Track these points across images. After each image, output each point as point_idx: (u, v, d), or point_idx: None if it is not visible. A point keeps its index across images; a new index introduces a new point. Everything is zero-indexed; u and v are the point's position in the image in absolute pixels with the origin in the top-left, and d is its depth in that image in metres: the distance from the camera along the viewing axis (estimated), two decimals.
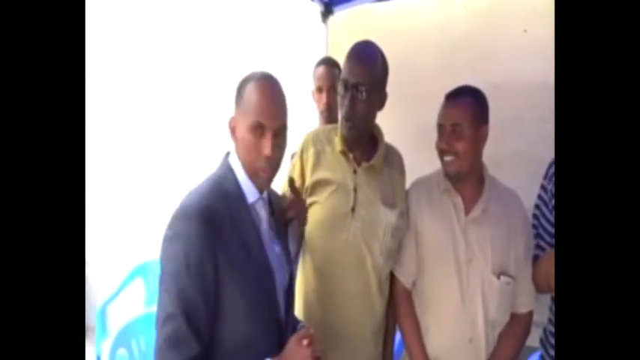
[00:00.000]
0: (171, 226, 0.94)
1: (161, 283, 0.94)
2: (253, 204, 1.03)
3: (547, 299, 1.37)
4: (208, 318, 0.93)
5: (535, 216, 1.34)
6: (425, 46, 2.21)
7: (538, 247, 1.31)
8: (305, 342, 0.94)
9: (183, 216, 0.93)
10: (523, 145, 1.99)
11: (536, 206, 1.34)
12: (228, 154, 1.06)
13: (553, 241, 1.26)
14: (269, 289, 1.03)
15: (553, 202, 1.26)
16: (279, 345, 1.00)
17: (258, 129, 0.97)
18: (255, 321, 0.98)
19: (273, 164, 1.01)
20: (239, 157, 1.02)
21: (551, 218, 1.27)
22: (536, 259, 1.29)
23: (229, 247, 0.94)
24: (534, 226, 1.33)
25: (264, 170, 1.00)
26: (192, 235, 0.91)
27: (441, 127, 1.30)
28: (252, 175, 1.01)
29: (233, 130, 1.02)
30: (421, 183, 1.40)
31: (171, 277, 0.92)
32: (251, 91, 0.98)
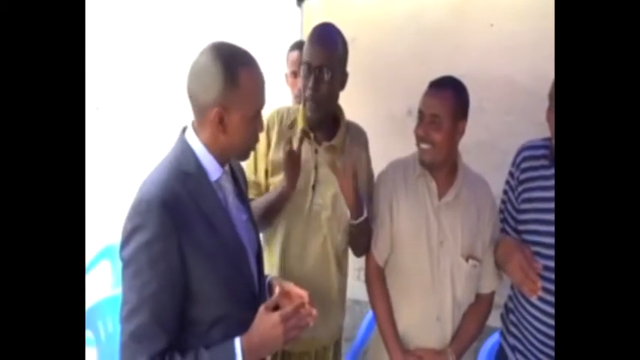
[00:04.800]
0: (130, 218, 0.88)
1: (123, 278, 0.89)
2: (217, 180, 0.99)
3: (507, 280, 1.42)
4: (176, 309, 0.90)
5: (502, 201, 1.40)
6: (396, 33, 2.25)
7: (503, 230, 1.37)
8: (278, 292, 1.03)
9: (142, 208, 0.87)
10: (486, 135, 2.06)
11: (504, 192, 1.40)
12: (184, 130, 1.01)
13: (517, 225, 1.33)
14: (241, 263, 1.01)
15: (520, 188, 1.32)
16: (255, 314, 0.98)
17: (259, 113, 0.99)
18: (229, 297, 0.97)
19: None
20: (201, 137, 0.97)
21: (516, 204, 1.34)
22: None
23: (196, 231, 0.91)
24: (501, 211, 1.40)
25: (254, 145, 1.05)
26: (155, 227, 0.86)
27: (421, 114, 1.30)
28: (227, 154, 0.99)
29: (221, 119, 0.93)
30: (398, 164, 1.42)
31: (134, 272, 0.87)
32: (248, 79, 0.94)
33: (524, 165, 1.32)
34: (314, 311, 0.98)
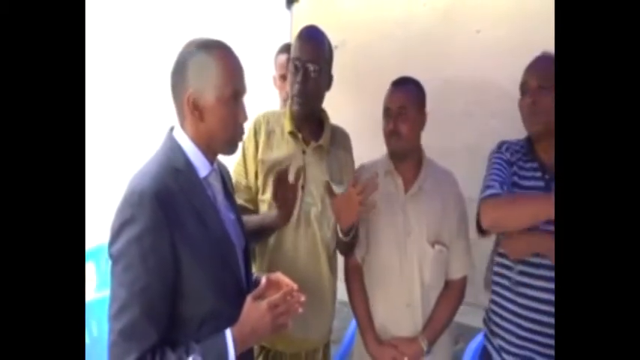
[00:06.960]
0: (121, 211, 0.87)
1: (113, 275, 0.88)
2: (206, 177, 0.99)
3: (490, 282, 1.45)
4: (167, 304, 0.89)
5: (494, 162, 1.37)
6: (384, 38, 2.27)
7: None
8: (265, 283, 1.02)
9: (134, 199, 0.86)
10: (472, 138, 2.10)
11: (495, 158, 1.36)
12: (172, 129, 1.01)
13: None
14: (230, 260, 1.01)
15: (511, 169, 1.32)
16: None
17: (237, 97, 0.98)
18: (218, 294, 0.96)
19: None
20: (187, 132, 0.97)
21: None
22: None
23: (187, 227, 0.91)
24: (494, 167, 1.37)
25: (240, 136, 1.02)
26: (147, 220, 0.85)
27: (388, 111, 1.39)
28: (212, 146, 0.99)
29: (195, 105, 0.94)
30: (368, 167, 1.50)
31: (124, 267, 0.86)
32: (220, 59, 0.94)
33: (510, 150, 1.35)
34: (302, 298, 0.99)
